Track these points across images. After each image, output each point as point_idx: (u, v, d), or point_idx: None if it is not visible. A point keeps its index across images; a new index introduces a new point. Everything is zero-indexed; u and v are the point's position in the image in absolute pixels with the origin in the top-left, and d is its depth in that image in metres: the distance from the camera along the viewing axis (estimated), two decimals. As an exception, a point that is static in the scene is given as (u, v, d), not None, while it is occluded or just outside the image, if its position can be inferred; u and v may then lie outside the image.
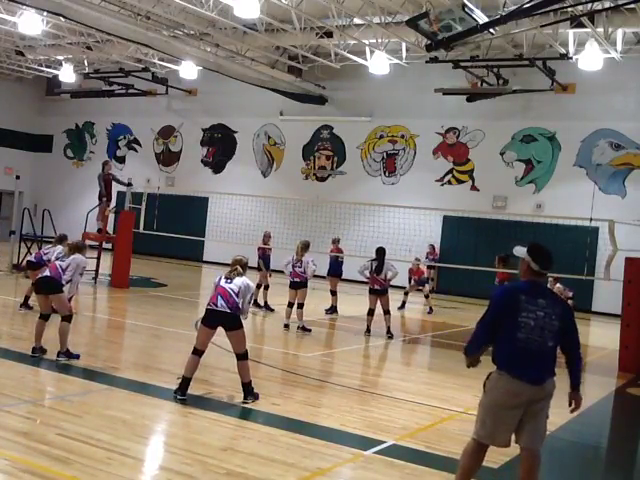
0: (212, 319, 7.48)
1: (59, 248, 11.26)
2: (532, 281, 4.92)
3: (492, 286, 13.24)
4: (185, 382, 7.41)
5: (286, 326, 12.85)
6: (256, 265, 14.85)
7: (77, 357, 8.86)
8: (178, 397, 7.31)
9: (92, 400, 7.15)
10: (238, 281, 7.52)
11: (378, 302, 12.88)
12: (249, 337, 11.77)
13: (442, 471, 5.85)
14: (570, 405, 4.99)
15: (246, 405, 7.40)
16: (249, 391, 7.56)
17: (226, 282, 7.53)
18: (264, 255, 15.54)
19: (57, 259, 9.52)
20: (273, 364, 9.86)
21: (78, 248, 9.45)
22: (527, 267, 4.93)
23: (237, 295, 7.42)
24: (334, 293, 16.20)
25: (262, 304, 15.11)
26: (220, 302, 7.40)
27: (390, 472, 5.79)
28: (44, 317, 9.04)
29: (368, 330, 12.98)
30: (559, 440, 7.06)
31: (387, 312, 12.95)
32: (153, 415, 6.97)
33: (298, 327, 12.75)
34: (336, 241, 17.28)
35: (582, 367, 5.06)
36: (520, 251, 5.04)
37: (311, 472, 5.59)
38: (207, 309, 7.53)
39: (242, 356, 7.58)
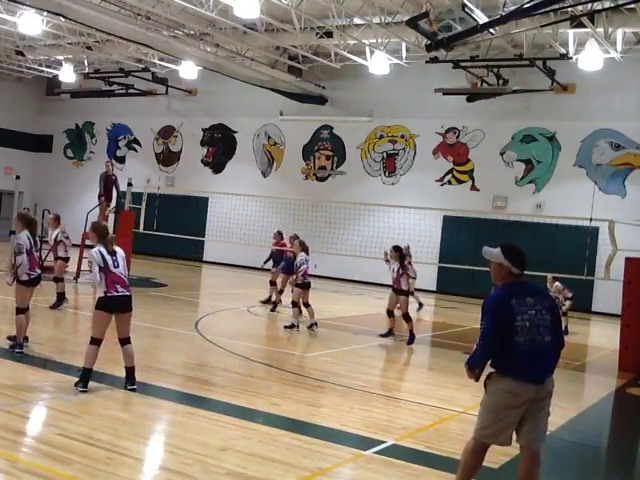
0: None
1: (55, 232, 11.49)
2: (515, 282, 4.93)
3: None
4: (88, 374, 7.38)
5: (296, 326, 12.78)
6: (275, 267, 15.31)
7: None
8: (80, 389, 7.26)
9: (92, 400, 7.15)
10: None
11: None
12: (250, 337, 11.77)
13: (442, 471, 5.84)
14: None
15: (246, 405, 7.39)
16: (133, 376, 7.60)
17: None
18: (288, 257, 15.08)
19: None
20: (273, 364, 9.86)
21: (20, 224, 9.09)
22: (508, 272, 4.92)
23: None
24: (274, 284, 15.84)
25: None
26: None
27: (390, 472, 5.79)
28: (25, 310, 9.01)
29: (391, 332, 12.78)
30: (559, 440, 7.06)
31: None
32: (153, 415, 6.97)
33: (309, 325, 12.75)
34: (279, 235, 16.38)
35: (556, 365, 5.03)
36: (491, 253, 4.99)
37: (311, 472, 5.59)
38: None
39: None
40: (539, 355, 4.80)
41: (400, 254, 12.61)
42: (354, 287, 20.16)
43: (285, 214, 23.47)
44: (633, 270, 11.72)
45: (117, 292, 7.45)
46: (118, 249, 7.71)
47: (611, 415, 9.58)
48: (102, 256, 7.50)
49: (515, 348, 4.76)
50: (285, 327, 12.76)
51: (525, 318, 4.78)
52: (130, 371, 7.61)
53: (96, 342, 7.44)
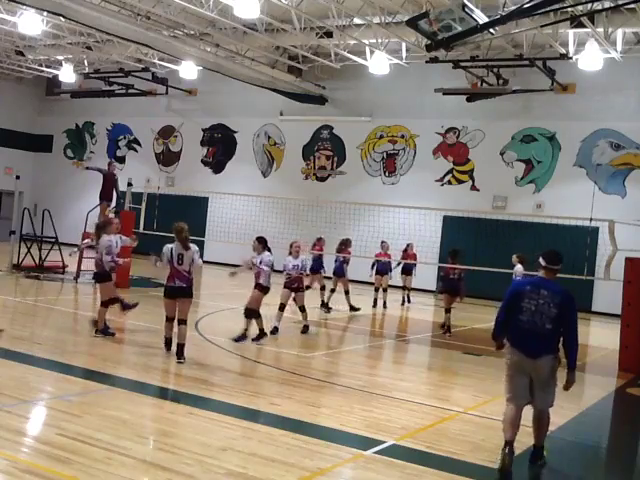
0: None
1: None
2: (542, 277, 6.05)
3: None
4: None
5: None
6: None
7: (113, 334, 10.52)
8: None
9: (92, 400, 7.15)
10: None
11: None
12: (249, 337, 11.76)
13: (442, 471, 5.85)
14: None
15: (246, 405, 7.39)
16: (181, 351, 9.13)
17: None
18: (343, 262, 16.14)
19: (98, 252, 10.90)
20: (273, 364, 9.86)
21: (98, 228, 10.98)
22: (539, 264, 6.05)
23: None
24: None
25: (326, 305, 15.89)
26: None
27: (390, 472, 5.79)
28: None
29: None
30: (559, 440, 7.05)
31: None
32: (153, 415, 6.97)
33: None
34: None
35: (576, 349, 5.91)
36: None
37: (311, 472, 5.59)
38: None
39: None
40: (536, 335, 5.87)
41: (264, 245, 11.51)
42: (354, 287, 20.10)
43: (285, 214, 23.46)
44: (633, 270, 11.72)
45: (174, 284, 9.29)
46: (192, 247, 9.60)
47: (611, 415, 9.58)
48: (170, 252, 9.44)
49: (519, 325, 5.93)
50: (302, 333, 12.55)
51: (532, 303, 5.89)
52: (179, 347, 9.12)
53: (167, 319, 9.52)
